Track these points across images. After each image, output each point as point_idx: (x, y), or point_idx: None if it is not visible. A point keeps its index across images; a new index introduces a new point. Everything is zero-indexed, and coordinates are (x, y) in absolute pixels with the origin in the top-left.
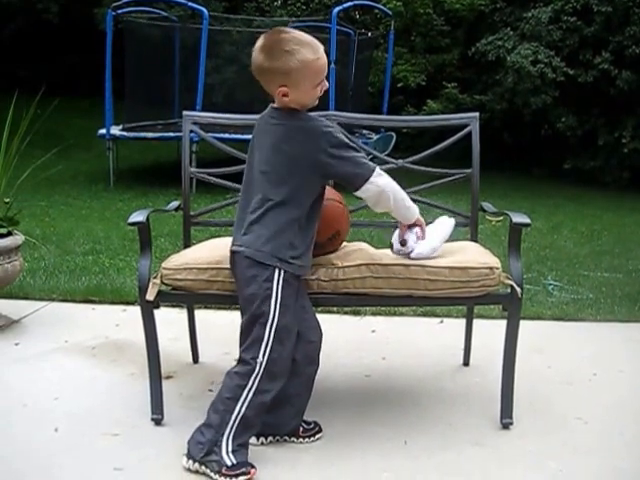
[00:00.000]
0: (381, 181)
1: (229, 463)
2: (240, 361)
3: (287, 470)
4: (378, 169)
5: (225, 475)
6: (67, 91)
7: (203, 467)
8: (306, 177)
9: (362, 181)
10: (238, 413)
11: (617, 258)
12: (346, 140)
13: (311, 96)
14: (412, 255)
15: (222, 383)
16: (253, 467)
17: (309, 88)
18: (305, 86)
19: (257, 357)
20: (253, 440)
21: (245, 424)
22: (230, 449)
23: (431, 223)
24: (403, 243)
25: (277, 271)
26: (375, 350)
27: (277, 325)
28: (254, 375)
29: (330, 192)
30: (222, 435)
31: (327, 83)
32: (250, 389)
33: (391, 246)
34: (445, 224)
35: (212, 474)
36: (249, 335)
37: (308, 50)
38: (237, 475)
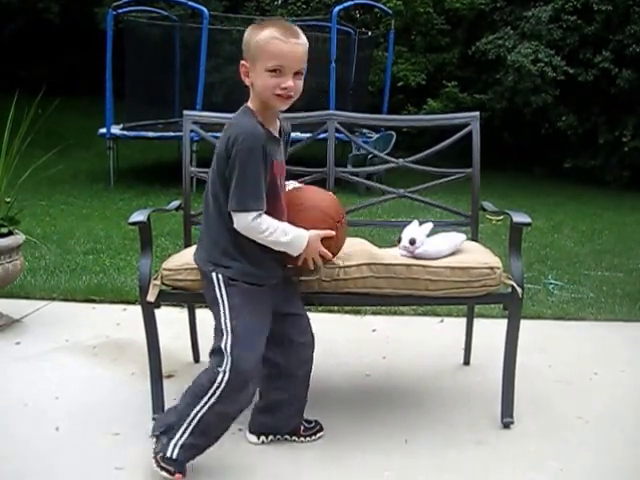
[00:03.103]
0: (247, 225)
1: (168, 454)
2: (208, 365)
3: (288, 469)
4: (253, 215)
5: (156, 461)
6: (67, 91)
7: (154, 443)
8: (225, 182)
9: (234, 207)
10: (196, 414)
11: (618, 257)
12: (251, 165)
13: (264, 85)
14: (417, 252)
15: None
16: (183, 473)
17: (260, 70)
18: (258, 66)
19: (220, 366)
20: (253, 439)
21: (203, 427)
22: (180, 443)
23: (444, 232)
24: (412, 242)
25: (215, 275)
26: (375, 349)
27: (232, 332)
28: (216, 384)
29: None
30: (180, 426)
31: (293, 84)
32: (211, 396)
33: (399, 240)
34: (456, 237)
35: (152, 452)
36: (214, 342)
37: (277, 30)
38: (164, 469)
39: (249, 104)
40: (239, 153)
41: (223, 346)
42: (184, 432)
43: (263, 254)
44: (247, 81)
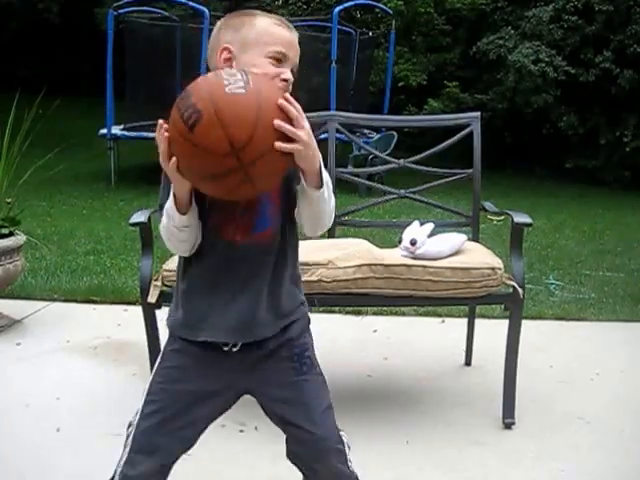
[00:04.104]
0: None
1: None
2: None
3: (287, 469)
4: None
5: None
6: (68, 91)
7: None
8: None
9: None
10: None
11: (619, 257)
12: None
13: (262, 72)
14: (418, 252)
15: None
16: None
17: (257, 55)
18: (256, 51)
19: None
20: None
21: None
22: None
23: (445, 233)
24: (413, 242)
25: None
26: (377, 350)
27: (140, 414)
28: (123, 449)
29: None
30: None
31: (289, 75)
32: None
33: (400, 241)
34: (456, 238)
35: None
36: None
37: (275, 18)
38: None
39: None
40: None
41: (129, 425)
42: None
43: (200, 287)
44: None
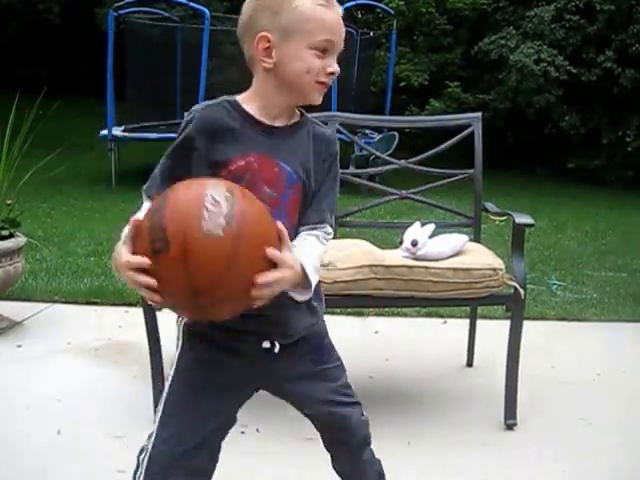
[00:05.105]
0: None
1: None
2: None
3: (289, 471)
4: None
5: None
6: (68, 91)
7: None
8: None
9: None
10: None
11: (621, 257)
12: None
13: (307, 67)
14: (419, 253)
15: None
16: None
17: (300, 47)
18: (298, 41)
19: (141, 454)
20: None
21: None
22: None
23: (446, 233)
24: (414, 243)
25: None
26: (378, 351)
27: (166, 400)
28: (137, 466)
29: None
30: None
31: (336, 67)
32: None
33: (401, 242)
34: (458, 238)
35: None
36: None
37: None
38: None
39: (245, 93)
40: None
41: (155, 418)
42: None
43: None
44: (267, 62)
